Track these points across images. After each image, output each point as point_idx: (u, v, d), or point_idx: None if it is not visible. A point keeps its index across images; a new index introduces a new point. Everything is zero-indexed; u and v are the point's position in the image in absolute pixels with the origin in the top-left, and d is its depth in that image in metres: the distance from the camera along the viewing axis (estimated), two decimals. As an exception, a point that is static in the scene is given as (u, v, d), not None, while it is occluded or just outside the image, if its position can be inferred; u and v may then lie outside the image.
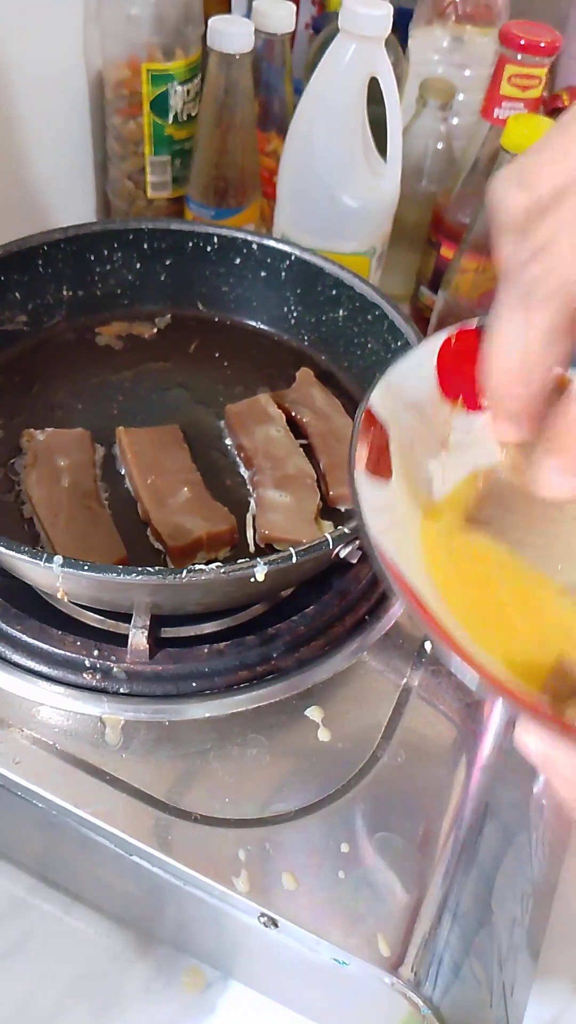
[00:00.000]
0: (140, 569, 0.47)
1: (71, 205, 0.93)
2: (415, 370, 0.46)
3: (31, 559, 0.46)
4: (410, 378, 0.45)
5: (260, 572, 0.48)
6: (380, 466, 0.42)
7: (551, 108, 1.10)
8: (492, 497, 0.48)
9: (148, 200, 0.96)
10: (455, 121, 1.03)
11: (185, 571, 0.47)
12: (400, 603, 0.61)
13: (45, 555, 0.46)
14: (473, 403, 0.48)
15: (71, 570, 0.46)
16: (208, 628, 0.59)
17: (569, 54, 1.17)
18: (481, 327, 0.47)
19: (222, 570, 0.47)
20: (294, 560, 0.48)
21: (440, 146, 1.00)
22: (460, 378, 0.47)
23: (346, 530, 0.50)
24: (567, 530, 0.49)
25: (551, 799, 0.61)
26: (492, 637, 0.40)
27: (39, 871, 0.63)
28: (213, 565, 0.47)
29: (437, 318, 0.94)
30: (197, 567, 0.47)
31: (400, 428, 0.44)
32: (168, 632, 0.58)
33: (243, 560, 0.48)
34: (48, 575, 0.47)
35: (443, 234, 0.97)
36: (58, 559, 0.46)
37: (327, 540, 0.50)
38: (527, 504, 0.48)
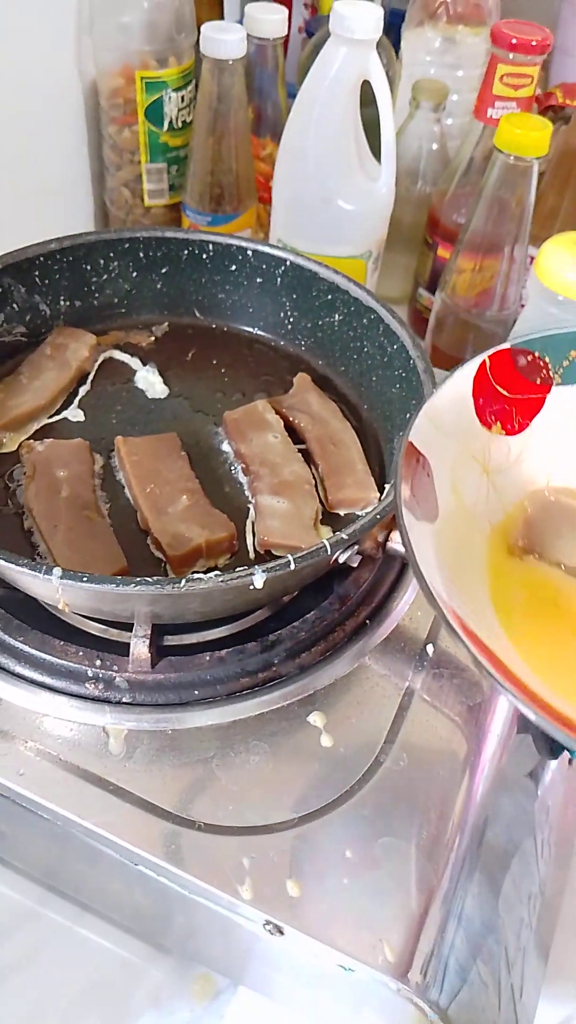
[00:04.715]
0: (138, 580, 0.47)
1: (69, 216, 0.93)
2: (452, 399, 0.46)
3: (31, 571, 0.46)
4: (447, 408, 0.46)
5: (259, 580, 0.48)
6: (427, 502, 0.42)
7: (545, 106, 1.09)
8: (540, 522, 0.48)
9: (145, 208, 0.96)
10: (449, 121, 1.03)
11: (183, 581, 0.47)
12: (403, 605, 0.61)
13: (44, 567, 0.47)
14: (510, 427, 0.49)
15: (70, 582, 0.46)
16: (211, 635, 0.59)
17: (562, 51, 1.17)
18: (513, 347, 0.47)
19: (220, 579, 0.47)
20: (292, 567, 0.48)
21: (434, 147, 1.00)
22: (496, 403, 0.48)
23: (344, 535, 0.50)
24: None
25: (556, 799, 0.61)
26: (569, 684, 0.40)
27: (47, 881, 0.63)
28: (212, 574, 0.47)
29: (435, 319, 0.94)
30: (195, 576, 0.47)
31: (441, 459, 0.45)
32: (171, 640, 0.58)
33: (241, 568, 0.48)
34: (48, 587, 0.48)
35: (439, 235, 0.97)
36: (57, 571, 0.46)
37: (325, 546, 0.50)
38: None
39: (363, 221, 0.87)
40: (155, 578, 0.47)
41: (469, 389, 0.47)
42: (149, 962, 0.63)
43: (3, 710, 0.54)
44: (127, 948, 0.63)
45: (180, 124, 0.91)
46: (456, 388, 0.47)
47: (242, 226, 0.95)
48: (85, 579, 0.46)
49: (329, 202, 0.84)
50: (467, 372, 0.47)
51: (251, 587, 0.48)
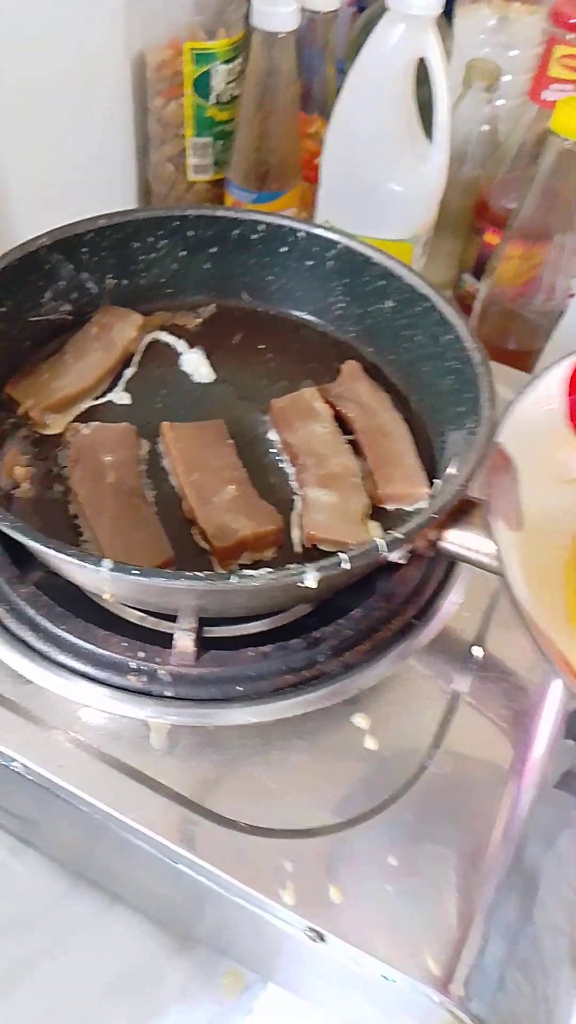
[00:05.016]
0: (189, 574, 0.45)
1: (111, 190, 0.91)
2: (540, 401, 0.45)
3: (80, 562, 0.45)
4: (534, 410, 0.44)
5: (311, 579, 0.46)
6: (513, 510, 0.41)
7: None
8: None
9: (189, 184, 0.94)
10: (500, 103, 1.01)
11: (234, 577, 0.45)
12: (450, 606, 0.60)
13: (94, 559, 0.45)
14: None
15: (120, 574, 0.45)
16: (251, 628, 0.58)
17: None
18: None
19: (272, 576, 0.46)
20: (345, 566, 0.47)
21: (484, 129, 0.98)
22: None
23: (399, 535, 0.49)
24: None
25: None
26: None
27: (78, 870, 0.62)
28: (263, 571, 0.46)
29: (481, 306, 0.92)
30: (246, 573, 0.46)
31: (526, 464, 0.43)
32: (211, 632, 0.57)
33: (293, 565, 0.47)
34: (96, 578, 0.46)
35: (487, 220, 0.95)
36: (107, 563, 0.45)
37: (379, 546, 0.48)
38: None
39: (413, 204, 0.85)
40: (205, 573, 0.45)
41: (559, 391, 0.45)
42: (177, 955, 0.63)
43: (44, 699, 0.53)
44: (155, 940, 0.63)
45: (228, 98, 0.89)
46: (545, 390, 0.45)
47: (286, 205, 0.93)
48: (135, 572, 0.45)
49: (379, 184, 0.82)
50: (559, 373, 0.46)
51: (302, 584, 0.47)
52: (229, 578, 0.46)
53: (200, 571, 0.46)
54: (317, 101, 0.98)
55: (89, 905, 0.63)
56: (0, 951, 0.61)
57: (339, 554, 0.48)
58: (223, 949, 0.62)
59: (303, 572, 0.46)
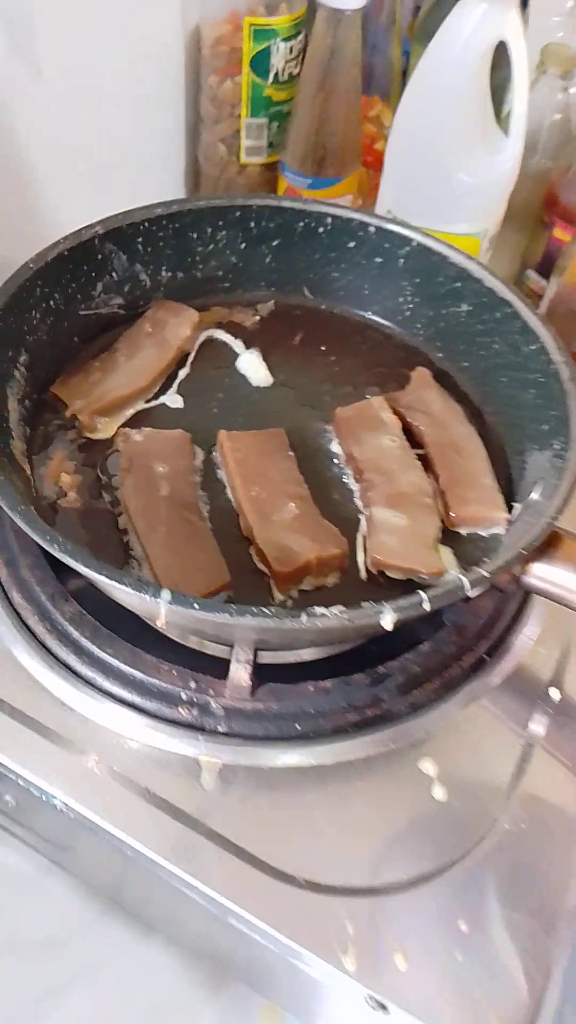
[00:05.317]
0: (255, 610, 0.41)
1: (160, 171, 0.87)
2: None
3: (137, 593, 0.41)
4: None
5: (388, 621, 0.42)
6: None
7: None
8: None
9: (241, 166, 0.89)
10: (573, 91, 0.95)
11: (305, 616, 0.41)
12: (524, 641, 0.55)
13: (152, 590, 0.41)
14: None
15: (179, 607, 0.41)
16: (307, 655, 0.54)
17: None
18: None
19: (346, 617, 0.42)
20: (426, 607, 0.43)
21: (557, 118, 0.92)
22: None
23: (485, 573, 0.44)
24: None
25: None
26: None
27: (114, 899, 0.59)
28: (336, 610, 0.42)
29: (548, 305, 0.87)
30: (318, 612, 0.42)
31: None
32: (264, 657, 0.52)
33: (367, 604, 0.43)
34: (153, 607, 0.42)
35: (557, 214, 0.90)
36: (166, 595, 0.41)
37: (463, 585, 0.44)
38: None
39: (483, 197, 0.80)
40: (273, 610, 0.41)
41: None
42: (214, 989, 0.59)
43: (87, 729, 0.49)
44: (193, 972, 0.59)
45: (286, 77, 0.84)
46: None
47: (344, 191, 0.88)
48: (196, 605, 0.41)
49: (449, 174, 0.77)
50: None
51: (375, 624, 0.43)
52: (299, 617, 0.41)
53: (256, 593, 0.43)
54: (379, 83, 0.93)
55: (124, 930, 0.59)
56: (30, 974, 0.58)
57: (419, 593, 0.43)
58: (260, 989, 0.59)
59: (380, 612, 0.42)
